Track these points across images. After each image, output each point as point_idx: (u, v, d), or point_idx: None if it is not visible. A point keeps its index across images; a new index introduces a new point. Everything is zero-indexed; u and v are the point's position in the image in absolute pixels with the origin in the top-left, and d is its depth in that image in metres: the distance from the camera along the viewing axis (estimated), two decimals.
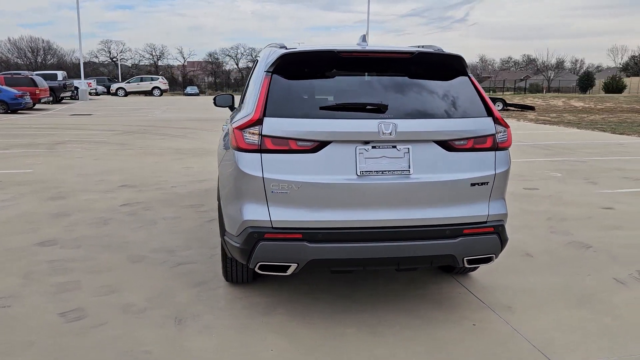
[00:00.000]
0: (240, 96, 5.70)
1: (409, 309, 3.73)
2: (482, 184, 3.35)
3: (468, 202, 3.35)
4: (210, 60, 74.29)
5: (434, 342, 3.28)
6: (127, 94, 43.36)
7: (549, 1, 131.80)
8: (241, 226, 3.28)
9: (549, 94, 49.34)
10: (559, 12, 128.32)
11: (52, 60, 68.70)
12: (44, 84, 25.93)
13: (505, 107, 27.78)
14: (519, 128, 17.66)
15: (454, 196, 3.31)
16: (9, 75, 25.46)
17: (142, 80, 45.83)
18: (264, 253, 3.21)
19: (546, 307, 3.78)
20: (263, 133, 3.17)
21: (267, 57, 3.58)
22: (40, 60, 67.45)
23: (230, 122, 3.89)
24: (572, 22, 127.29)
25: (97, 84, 43.27)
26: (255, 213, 3.23)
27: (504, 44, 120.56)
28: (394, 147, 3.23)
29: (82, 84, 34.91)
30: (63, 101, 30.02)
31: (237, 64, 76.17)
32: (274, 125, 3.17)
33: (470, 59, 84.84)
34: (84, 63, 39.39)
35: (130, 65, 73.84)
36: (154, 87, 44.28)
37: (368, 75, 3.50)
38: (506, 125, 3.47)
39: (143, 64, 74.69)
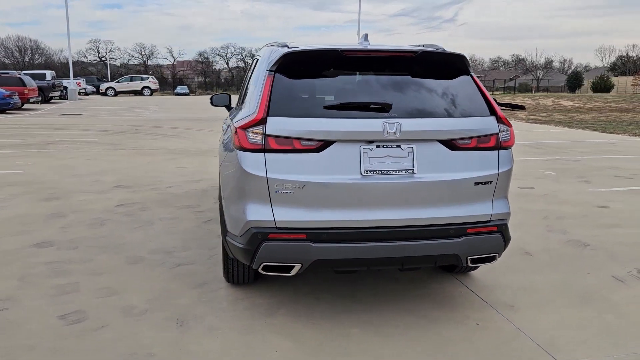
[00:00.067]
0: (237, 95, 5.68)
1: (411, 308, 3.72)
2: (486, 183, 3.35)
3: (471, 201, 3.35)
4: (200, 59, 74.03)
5: (440, 342, 3.27)
6: (116, 93, 43.07)
7: (537, 1, 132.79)
8: (244, 226, 3.26)
9: (538, 93, 49.69)
10: (547, 12, 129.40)
11: (39, 60, 68.11)
12: (32, 83, 25.65)
13: None
14: None
15: (458, 195, 3.31)
16: None
17: (132, 79, 45.54)
18: (268, 253, 3.19)
19: (548, 306, 3.79)
20: (267, 133, 3.14)
21: (269, 56, 3.55)
22: (27, 60, 66.86)
23: (231, 121, 3.86)
24: (560, 22, 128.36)
25: (87, 84, 42.93)
26: (259, 213, 3.20)
27: (493, 44, 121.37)
28: (398, 146, 3.22)
29: (71, 83, 34.60)
30: (52, 101, 29.74)
31: (227, 64, 75.99)
32: (277, 125, 3.14)
33: None
34: (73, 62, 39.00)
35: (119, 64, 73.39)
36: (144, 87, 44.00)
37: (371, 74, 3.49)
38: (509, 125, 3.47)
39: (132, 63, 74.25)
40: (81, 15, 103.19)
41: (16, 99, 22.53)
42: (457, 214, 3.31)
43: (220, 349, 3.19)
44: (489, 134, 3.36)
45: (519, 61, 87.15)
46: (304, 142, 3.13)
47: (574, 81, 62.85)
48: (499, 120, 3.41)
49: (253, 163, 3.17)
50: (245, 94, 4.16)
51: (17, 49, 67.52)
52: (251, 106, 3.39)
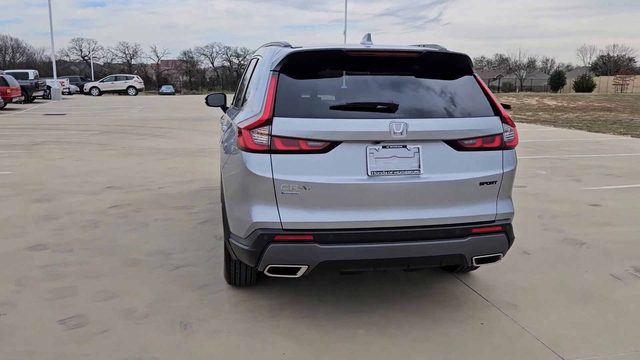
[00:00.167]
0: (233, 95, 5.64)
1: (415, 309, 3.72)
2: (491, 183, 3.36)
3: (477, 201, 3.35)
4: (185, 59, 73.49)
5: (446, 342, 3.27)
6: (101, 93, 42.54)
7: (520, 2, 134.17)
8: (250, 228, 3.22)
9: (522, 92, 50.15)
10: (530, 12, 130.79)
11: (21, 59, 67.13)
12: (15, 83, 25.21)
13: None
14: None
15: (463, 195, 3.31)
16: None
17: (116, 79, 45.00)
18: (274, 255, 3.16)
19: (550, 305, 3.81)
20: (273, 133, 3.11)
21: (272, 56, 3.51)
22: (8, 59, 65.85)
23: (233, 122, 3.82)
24: (542, 23, 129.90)
25: (70, 83, 42.33)
26: (265, 215, 3.17)
27: (476, 44, 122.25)
28: (404, 146, 3.21)
29: (54, 83, 34.11)
30: (35, 101, 29.30)
31: (212, 63, 75.53)
32: (284, 125, 3.11)
33: None
34: (55, 62, 38.44)
35: (102, 64, 72.58)
36: (129, 86, 43.52)
37: (375, 74, 3.47)
38: (512, 125, 3.48)
39: (116, 62, 73.52)
40: (63, 14, 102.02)
41: None
42: (462, 214, 3.31)
43: (225, 352, 3.15)
44: (493, 134, 3.37)
45: (503, 61, 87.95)
46: (310, 143, 3.11)
47: (556, 81, 63.66)
48: (503, 120, 3.42)
49: (259, 164, 3.14)
50: (246, 94, 4.11)
51: None
52: (254, 106, 3.35)
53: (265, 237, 3.15)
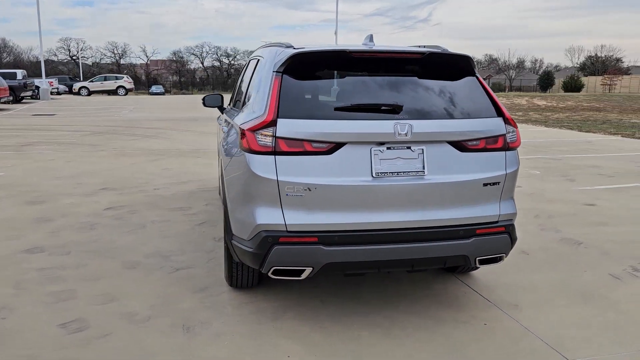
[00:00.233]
0: (230, 96, 5.61)
1: (417, 310, 3.72)
2: (494, 184, 3.37)
3: (480, 202, 3.36)
4: (174, 59, 73.17)
5: (449, 343, 3.27)
6: (90, 93, 42.18)
7: (509, 2, 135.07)
8: (254, 230, 3.20)
9: (512, 92, 50.54)
10: (519, 13, 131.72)
11: (8, 59, 66.49)
12: (3, 83, 24.91)
13: None
14: None
15: (467, 196, 3.32)
16: None
17: (106, 79, 44.65)
18: (278, 257, 3.14)
19: (551, 304, 3.83)
20: (277, 135, 3.09)
21: (274, 57, 3.49)
22: None
23: (234, 123, 3.79)
24: (531, 23, 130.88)
25: (59, 83, 41.93)
26: (269, 217, 3.15)
27: (466, 44, 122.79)
28: (409, 147, 3.21)
29: (43, 83, 33.68)
30: (23, 101, 29.00)
31: (202, 63, 75.29)
32: (288, 127, 3.10)
33: None
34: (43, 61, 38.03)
35: (91, 63, 72.07)
36: (119, 87, 43.21)
37: (378, 75, 3.47)
38: (515, 125, 3.49)
39: (105, 62, 73.09)
40: (51, 13, 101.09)
41: None
42: (466, 215, 3.31)
43: (229, 354, 3.13)
44: (496, 135, 3.38)
45: (492, 61, 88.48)
46: (314, 144, 3.10)
47: (545, 81, 64.17)
48: (506, 121, 3.43)
49: (263, 166, 3.12)
50: (246, 95, 4.09)
51: None
52: (257, 108, 3.33)
53: (269, 239, 3.13)
